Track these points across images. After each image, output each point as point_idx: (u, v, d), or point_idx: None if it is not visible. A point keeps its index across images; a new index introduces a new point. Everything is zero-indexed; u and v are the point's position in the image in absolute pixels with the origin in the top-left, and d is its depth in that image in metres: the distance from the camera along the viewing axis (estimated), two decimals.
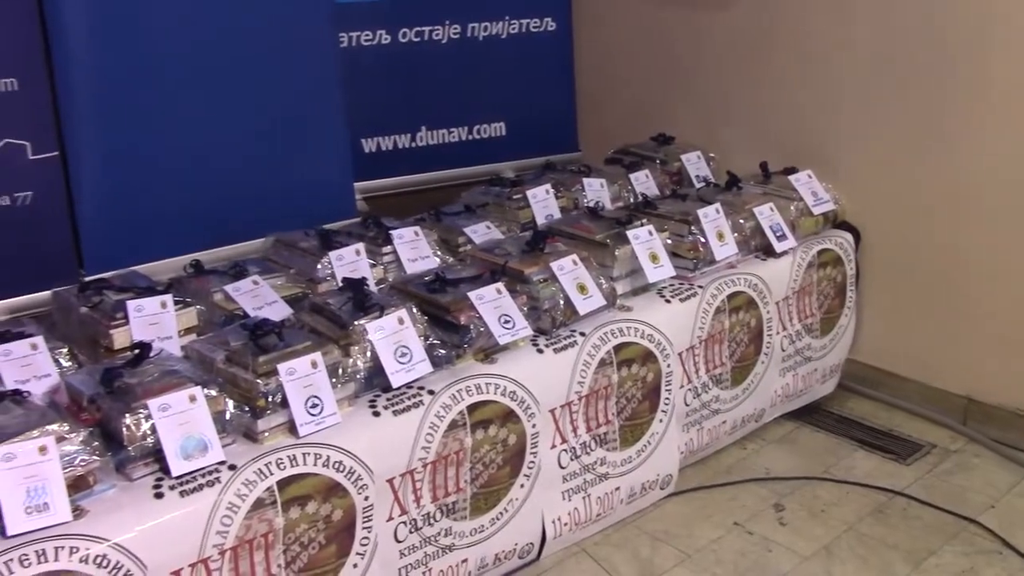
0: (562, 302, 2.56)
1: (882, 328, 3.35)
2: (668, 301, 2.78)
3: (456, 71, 3.69)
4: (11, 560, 1.70)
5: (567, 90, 4.01)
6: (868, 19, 3.19)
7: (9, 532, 1.73)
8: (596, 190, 3.29)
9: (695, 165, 3.61)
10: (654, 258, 2.79)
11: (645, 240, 2.79)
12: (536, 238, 2.71)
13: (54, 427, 1.84)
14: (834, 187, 3.31)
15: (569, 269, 2.60)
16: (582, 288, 2.60)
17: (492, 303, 2.43)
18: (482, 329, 2.39)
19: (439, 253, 2.84)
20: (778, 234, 3.07)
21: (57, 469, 1.79)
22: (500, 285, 2.47)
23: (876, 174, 3.27)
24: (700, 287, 2.85)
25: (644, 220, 2.89)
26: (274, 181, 3.05)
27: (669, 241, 2.87)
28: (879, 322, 3.36)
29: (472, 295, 2.42)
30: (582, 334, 2.56)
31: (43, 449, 1.80)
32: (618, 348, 2.61)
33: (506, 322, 2.43)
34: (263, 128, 3.02)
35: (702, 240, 2.91)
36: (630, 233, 2.79)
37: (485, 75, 3.75)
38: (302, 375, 2.08)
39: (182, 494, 1.89)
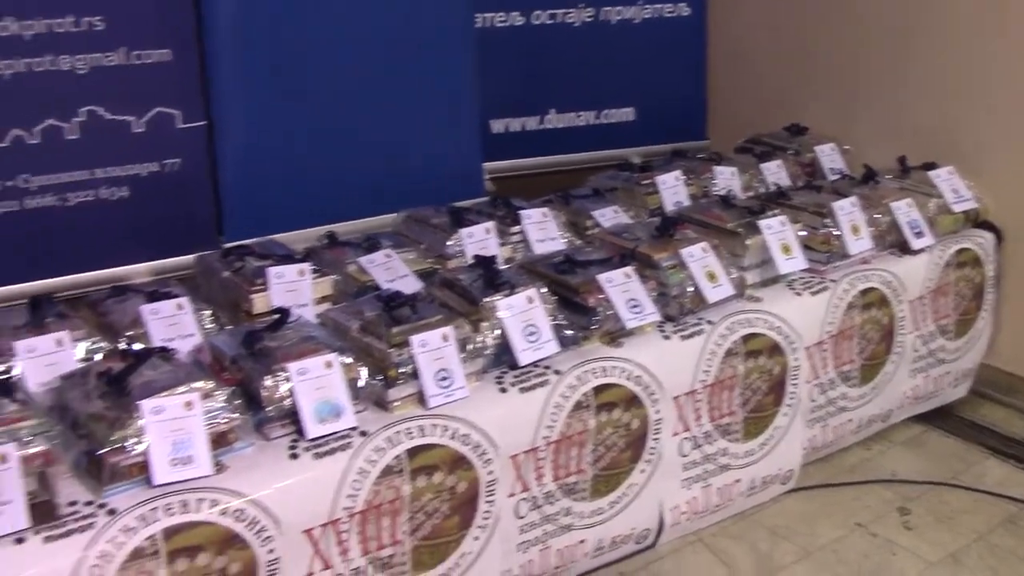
0: (691, 289, 2.53)
1: (1021, 333, 3.22)
2: (798, 294, 2.72)
3: (587, 54, 3.67)
4: (156, 508, 1.77)
5: (698, 77, 3.95)
6: (1022, 7, 3.05)
7: (155, 481, 1.80)
8: (727, 178, 3.24)
9: (829, 157, 3.52)
10: (786, 249, 2.74)
11: (777, 231, 2.74)
12: (666, 224, 2.69)
13: (199, 384, 1.90)
14: (976, 185, 3.18)
15: (699, 256, 2.57)
16: (711, 276, 2.56)
17: (621, 287, 2.42)
18: (610, 312, 2.39)
19: (567, 235, 2.84)
20: (916, 231, 2.97)
21: (201, 424, 1.86)
22: (629, 269, 2.46)
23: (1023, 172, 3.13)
24: (832, 281, 2.78)
25: (777, 210, 2.84)
26: (407, 158, 3.10)
27: (802, 233, 2.81)
28: (1018, 327, 3.22)
29: (601, 278, 2.41)
30: (709, 322, 2.53)
31: (189, 404, 1.87)
32: (745, 339, 2.57)
33: (634, 306, 2.42)
34: (399, 105, 3.06)
35: (836, 233, 2.83)
36: (762, 223, 2.74)
37: (616, 59, 3.72)
38: (433, 348, 2.12)
39: (316, 456, 1.95)
